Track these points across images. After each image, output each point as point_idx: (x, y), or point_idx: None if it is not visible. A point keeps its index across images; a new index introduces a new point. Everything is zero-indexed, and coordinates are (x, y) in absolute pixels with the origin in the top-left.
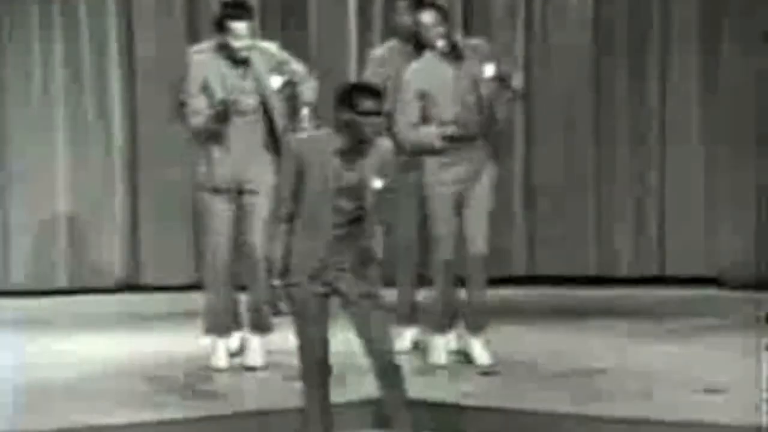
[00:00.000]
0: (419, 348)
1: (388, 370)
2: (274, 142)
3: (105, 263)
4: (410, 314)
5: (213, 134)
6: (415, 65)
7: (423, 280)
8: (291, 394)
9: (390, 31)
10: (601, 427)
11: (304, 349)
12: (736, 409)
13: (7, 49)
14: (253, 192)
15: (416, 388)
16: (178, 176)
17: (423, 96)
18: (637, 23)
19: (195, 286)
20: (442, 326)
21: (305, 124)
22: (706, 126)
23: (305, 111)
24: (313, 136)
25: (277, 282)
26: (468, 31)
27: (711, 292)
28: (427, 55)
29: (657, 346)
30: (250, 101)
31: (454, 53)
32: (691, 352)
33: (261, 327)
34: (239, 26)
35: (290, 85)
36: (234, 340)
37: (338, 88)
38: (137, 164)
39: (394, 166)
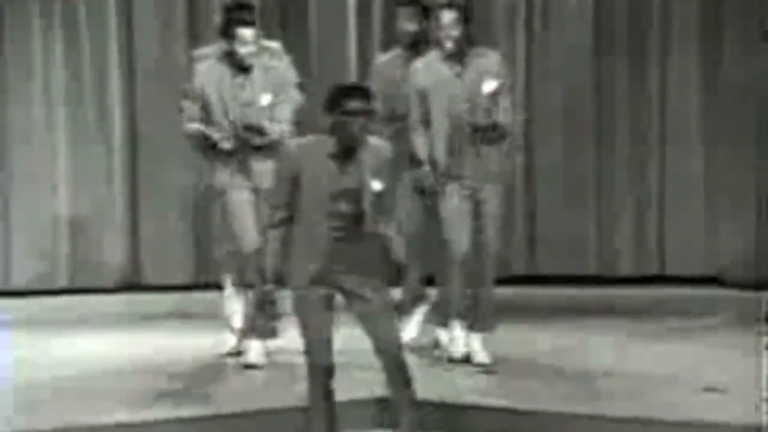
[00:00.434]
0: (438, 347)
1: (396, 369)
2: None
3: (105, 263)
4: (413, 306)
5: (203, 143)
6: (418, 63)
7: (430, 280)
8: (291, 394)
9: (390, 36)
10: (601, 426)
11: (308, 351)
12: (736, 408)
13: (8, 49)
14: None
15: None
16: (178, 176)
17: (423, 94)
18: (637, 23)
19: (195, 286)
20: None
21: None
22: (706, 126)
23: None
24: (308, 141)
25: (268, 288)
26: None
27: (711, 291)
28: (432, 54)
29: (657, 345)
30: (239, 112)
31: (458, 57)
32: (691, 352)
33: (262, 330)
34: (246, 32)
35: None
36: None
37: (326, 93)
38: (137, 164)
39: (391, 167)
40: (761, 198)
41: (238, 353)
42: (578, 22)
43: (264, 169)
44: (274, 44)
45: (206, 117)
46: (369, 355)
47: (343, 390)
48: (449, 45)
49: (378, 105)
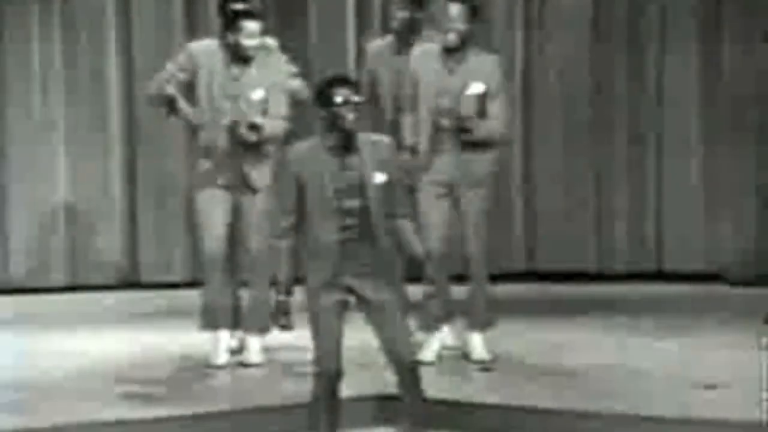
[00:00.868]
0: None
1: (406, 373)
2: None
3: (104, 260)
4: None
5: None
6: (416, 49)
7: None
8: (289, 392)
9: (387, 29)
10: (600, 424)
11: (318, 357)
12: (736, 405)
13: (7, 49)
14: (248, 189)
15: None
16: (176, 175)
17: (414, 81)
18: (636, 23)
19: (193, 284)
20: (434, 324)
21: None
22: (705, 125)
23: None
24: (306, 144)
25: (282, 298)
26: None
27: (710, 288)
28: (432, 45)
29: (656, 342)
30: (227, 104)
31: (456, 53)
32: (691, 349)
33: (259, 328)
34: (252, 25)
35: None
36: (233, 339)
37: (314, 89)
38: (136, 163)
39: (394, 155)
40: (760, 196)
41: (238, 351)
42: (578, 22)
43: (254, 168)
44: (271, 41)
45: (186, 93)
46: (370, 352)
47: (344, 387)
48: (452, 38)
49: (364, 87)
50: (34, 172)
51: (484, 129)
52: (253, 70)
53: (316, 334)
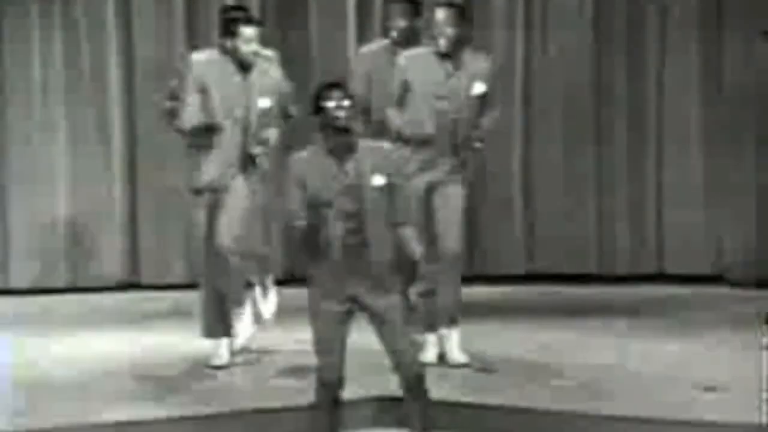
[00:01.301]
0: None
1: (413, 382)
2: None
3: (104, 262)
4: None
5: (200, 138)
6: (410, 52)
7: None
8: (290, 393)
9: (383, 33)
10: (601, 425)
11: (321, 368)
12: (736, 407)
13: (7, 50)
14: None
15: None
16: (177, 176)
17: (405, 87)
18: (636, 23)
19: (194, 285)
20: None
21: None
22: (706, 125)
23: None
24: (307, 151)
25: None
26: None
27: (710, 290)
28: (423, 49)
29: (656, 344)
30: (242, 113)
31: (451, 58)
32: (691, 351)
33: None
34: (249, 31)
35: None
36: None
37: (311, 98)
38: (136, 164)
39: (396, 161)
40: (761, 197)
41: (239, 352)
42: (578, 22)
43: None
44: (269, 52)
45: (204, 116)
46: (371, 354)
47: (346, 389)
48: (442, 43)
49: (358, 92)
50: (34, 173)
51: (486, 123)
52: (254, 78)
53: (318, 345)
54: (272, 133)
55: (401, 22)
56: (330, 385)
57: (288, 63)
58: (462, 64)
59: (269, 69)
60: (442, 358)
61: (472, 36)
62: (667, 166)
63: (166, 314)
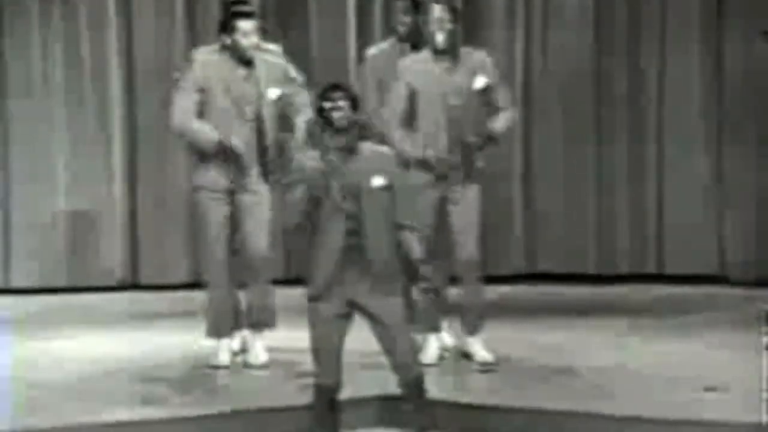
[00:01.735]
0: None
1: (412, 384)
2: (263, 149)
3: (105, 262)
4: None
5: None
6: (408, 59)
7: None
8: (291, 393)
9: (389, 31)
10: (601, 425)
11: (318, 372)
12: (736, 407)
13: (7, 49)
14: (252, 193)
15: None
16: (177, 175)
17: (410, 91)
18: (637, 22)
19: (194, 285)
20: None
21: (299, 134)
22: (706, 125)
23: (300, 122)
24: (310, 153)
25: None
26: (468, 30)
27: (711, 289)
28: (424, 52)
29: (657, 344)
30: (252, 107)
31: (449, 55)
32: (691, 350)
33: (260, 324)
34: (247, 25)
35: (286, 97)
36: (236, 340)
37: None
38: (137, 163)
39: (397, 167)
40: (761, 197)
41: (241, 351)
42: (578, 22)
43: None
44: (273, 46)
45: (204, 110)
46: (371, 354)
47: (345, 388)
48: (440, 39)
49: (371, 96)
50: (35, 173)
51: (504, 122)
52: (259, 70)
53: (315, 348)
54: (299, 123)
55: (406, 19)
56: (328, 388)
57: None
58: (460, 60)
59: (276, 61)
60: (467, 357)
61: (461, 33)
62: (667, 166)
63: (166, 314)
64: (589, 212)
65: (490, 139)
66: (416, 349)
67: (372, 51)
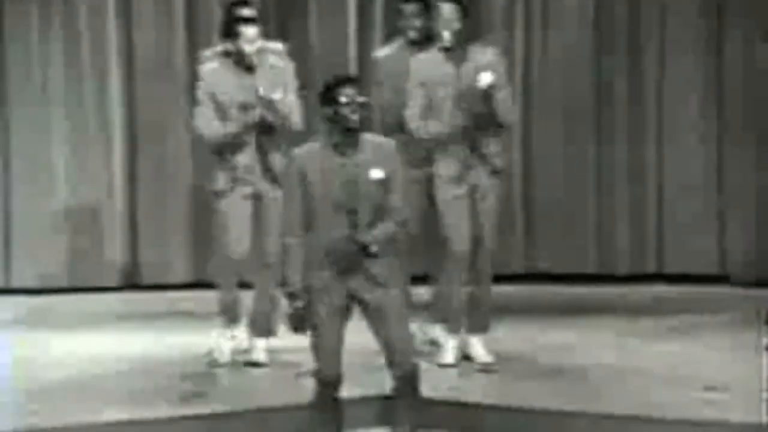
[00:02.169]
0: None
1: (406, 378)
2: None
3: (105, 262)
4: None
5: (229, 144)
6: (420, 57)
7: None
8: (290, 392)
9: (392, 31)
10: (601, 425)
11: (319, 364)
12: (736, 407)
13: (7, 49)
14: (267, 197)
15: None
16: (177, 175)
17: (425, 89)
18: (637, 23)
19: (195, 285)
20: (458, 326)
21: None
22: (706, 125)
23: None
24: (310, 143)
25: (298, 303)
26: (468, 30)
27: (711, 289)
28: (433, 51)
29: (657, 344)
30: (254, 113)
31: (457, 53)
32: (691, 350)
33: (265, 331)
34: (249, 30)
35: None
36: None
37: (320, 87)
38: (137, 163)
39: (397, 159)
40: (761, 196)
41: (244, 351)
42: (578, 22)
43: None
44: (276, 45)
45: (222, 117)
46: (371, 354)
47: (345, 388)
48: (448, 37)
49: (380, 97)
50: (35, 173)
51: (498, 113)
52: (260, 76)
53: (316, 341)
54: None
55: (417, 22)
56: (328, 383)
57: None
58: (467, 58)
59: (275, 62)
60: (467, 358)
61: (470, 31)
62: (667, 166)
63: (166, 314)
64: (589, 212)
65: (492, 117)
66: (412, 344)
67: (382, 53)
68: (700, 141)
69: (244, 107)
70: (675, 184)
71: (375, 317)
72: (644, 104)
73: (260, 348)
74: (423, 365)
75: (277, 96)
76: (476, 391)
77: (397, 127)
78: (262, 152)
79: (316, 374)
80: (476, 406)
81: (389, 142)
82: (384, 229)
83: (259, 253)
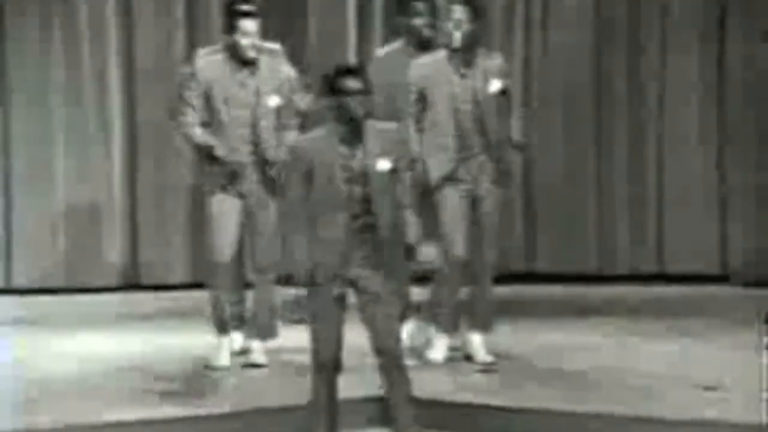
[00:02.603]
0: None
1: (393, 367)
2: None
3: (105, 262)
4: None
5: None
6: (420, 59)
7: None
8: (290, 393)
9: (393, 31)
10: (601, 425)
11: (317, 348)
12: (737, 407)
13: (7, 50)
14: (254, 199)
15: (414, 384)
16: (177, 176)
17: (422, 91)
18: (637, 23)
19: (194, 285)
20: (454, 326)
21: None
22: (706, 125)
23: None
24: (313, 134)
25: (302, 291)
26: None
27: (711, 289)
28: (440, 51)
29: (657, 344)
30: (246, 113)
31: (464, 56)
32: (692, 350)
33: (265, 334)
34: (248, 23)
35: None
36: (237, 341)
37: (323, 77)
38: (137, 164)
39: (402, 147)
40: (762, 196)
41: (242, 352)
42: (578, 22)
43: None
44: (275, 46)
45: (209, 119)
46: (368, 354)
47: (342, 388)
48: (458, 37)
49: (379, 99)
50: (35, 173)
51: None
52: (262, 74)
53: (315, 322)
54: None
55: (422, 22)
56: (327, 364)
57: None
58: (475, 62)
59: (278, 65)
60: (467, 358)
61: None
62: (667, 166)
63: (166, 314)
64: (589, 212)
65: (517, 147)
66: (399, 335)
67: (381, 52)
68: (700, 141)
69: (235, 104)
70: (675, 184)
71: (369, 304)
72: (644, 104)
73: (258, 349)
74: (417, 363)
75: (272, 103)
76: (476, 391)
77: None
78: (255, 156)
79: (314, 358)
80: (476, 407)
81: (394, 129)
82: (390, 217)
83: (251, 256)
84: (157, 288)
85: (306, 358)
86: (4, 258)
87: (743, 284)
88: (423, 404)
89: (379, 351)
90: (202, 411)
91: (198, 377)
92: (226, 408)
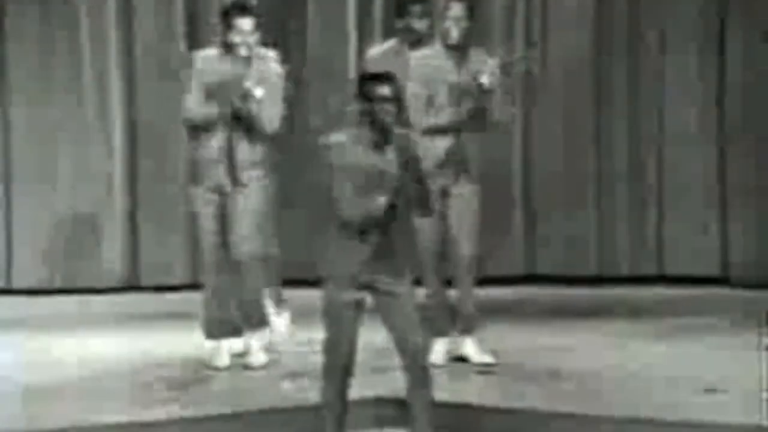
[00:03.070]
0: None
1: (416, 368)
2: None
3: (105, 263)
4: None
5: (203, 129)
6: (422, 52)
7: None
8: (290, 393)
9: (392, 31)
10: (601, 427)
11: (329, 349)
12: (737, 408)
13: (8, 49)
14: (243, 191)
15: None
16: (177, 175)
17: (425, 85)
18: (637, 23)
19: (194, 286)
20: (438, 329)
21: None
22: (706, 125)
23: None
24: (343, 134)
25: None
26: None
27: (711, 291)
28: (435, 47)
29: (657, 345)
30: (237, 104)
31: (460, 53)
32: (692, 352)
33: (254, 323)
34: (243, 22)
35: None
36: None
37: (353, 82)
38: (137, 164)
39: (412, 150)
40: (762, 197)
41: (242, 353)
42: (578, 22)
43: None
44: (270, 53)
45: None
46: (374, 355)
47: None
48: (455, 34)
49: None
50: (35, 173)
51: (504, 112)
52: (253, 74)
53: (330, 326)
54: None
55: (421, 24)
56: (340, 368)
57: (286, 63)
58: (468, 58)
59: (267, 70)
60: (464, 360)
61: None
62: (667, 166)
63: (166, 315)
64: (589, 212)
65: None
66: (426, 339)
67: (374, 51)
68: (700, 141)
69: (227, 90)
70: (675, 184)
71: (389, 305)
72: (644, 104)
73: (257, 350)
74: None
75: (258, 93)
76: (475, 392)
77: None
78: (229, 147)
79: (326, 361)
80: (476, 407)
81: (405, 133)
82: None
83: (233, 251)
84: (157, 289)
85: (306, 359)
86: (5, 258)
87: (743, 286)
88: (438, 407)
89: (403, 351)
90: (202, 412)
91: (198, 378)
92: (226, 408)
